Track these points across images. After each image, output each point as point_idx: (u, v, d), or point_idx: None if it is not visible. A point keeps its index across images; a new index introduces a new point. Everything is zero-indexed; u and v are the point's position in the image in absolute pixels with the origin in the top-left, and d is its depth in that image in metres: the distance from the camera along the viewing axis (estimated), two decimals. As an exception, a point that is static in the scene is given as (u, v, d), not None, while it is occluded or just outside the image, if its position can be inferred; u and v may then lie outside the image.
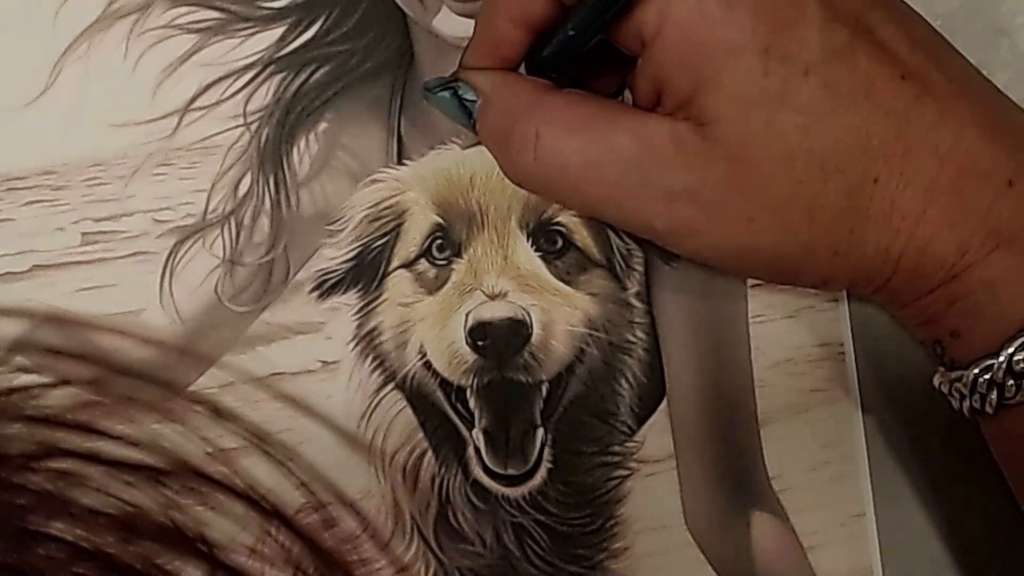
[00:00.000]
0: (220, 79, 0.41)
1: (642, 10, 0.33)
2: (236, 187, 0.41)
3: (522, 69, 0.38)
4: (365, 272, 0.42)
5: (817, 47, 0.32)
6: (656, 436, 0.43)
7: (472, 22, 0.41)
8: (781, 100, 0.32)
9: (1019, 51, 0.44)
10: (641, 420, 0.43)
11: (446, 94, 0.38)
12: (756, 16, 0.32)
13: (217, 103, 0.41)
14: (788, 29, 0.32)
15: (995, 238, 0.33)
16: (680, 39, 0.33)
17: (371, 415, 0.42)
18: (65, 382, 0.40)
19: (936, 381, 0.37)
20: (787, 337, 0.43)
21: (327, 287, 0.42)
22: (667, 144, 0.33)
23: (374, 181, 0.42)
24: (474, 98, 0.37)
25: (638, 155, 0.33)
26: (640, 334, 0.43)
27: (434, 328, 0.41)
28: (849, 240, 0.33)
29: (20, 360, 0.40)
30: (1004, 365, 0.33)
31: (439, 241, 0.41)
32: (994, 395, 0.34)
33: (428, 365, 0.41)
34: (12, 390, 0.24)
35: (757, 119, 0.32)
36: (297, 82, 0.42)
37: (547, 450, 0.42)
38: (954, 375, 0.35)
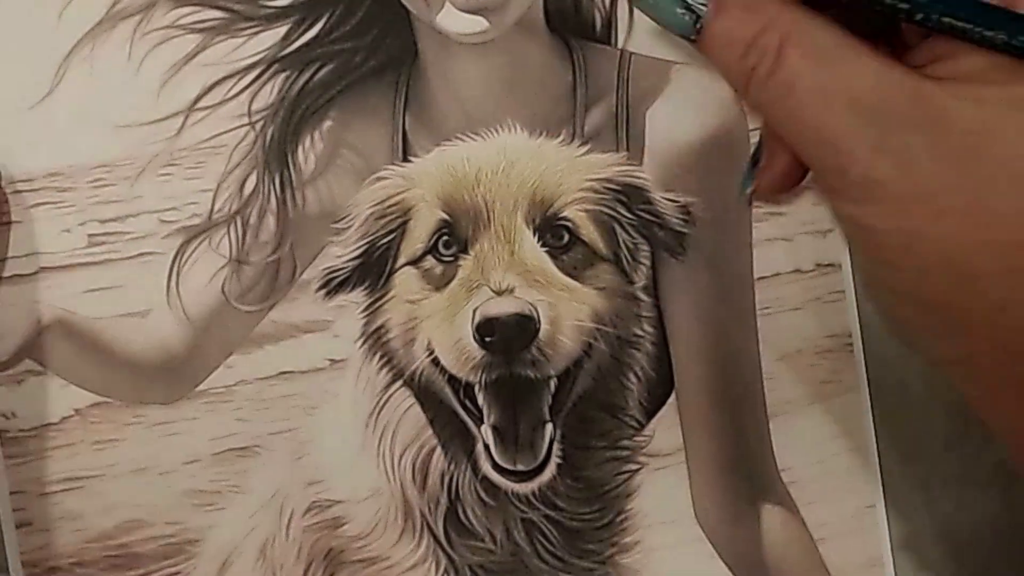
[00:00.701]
0: (224, 78, 0.41)
1: None
2: (242, 186, 0.41)
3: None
4: (372, 270, 0.42)
5: None
6: (665, 430, 0.43)
7: (475, 18, 0.41)
8: None
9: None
10: (650, 414, 0.43)
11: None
12: None
13: (221, 103, 0.41)
14: None
15: None
16: None
17: (380, 413, 0.42)
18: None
19: None
20: (795, 329, 0.43)
21: (334, 285, 0.42)
22: (907, 98, 0.30)
23: (379, 179, 0.42)
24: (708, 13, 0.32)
25: (874, 102, 0.30)
26: (648, 328, 0.43)
27: (441, 325, 0.41)
28: None
29: (28, 363, 0.41)
30: None
31: (445, 238, 0.41)
32: None
33: (436, 362, 0.41)
34: None
35: (1013, 123, 0.29)
36: (301, 80, 0.42)
37: (556, 445, 0.42)
38: None
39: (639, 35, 0.43)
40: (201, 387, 0.41)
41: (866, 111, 0.30)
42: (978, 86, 0.30)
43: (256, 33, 0.42)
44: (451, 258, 0.42)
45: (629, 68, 0.43)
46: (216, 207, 0.41)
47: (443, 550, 0.42)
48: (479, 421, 0.42)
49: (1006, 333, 0.30)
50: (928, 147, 0.29)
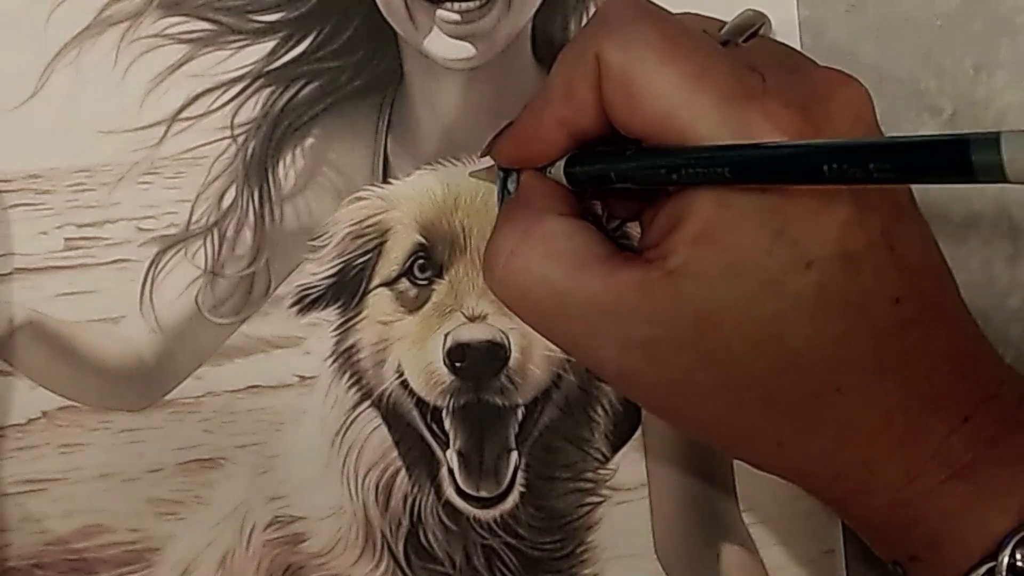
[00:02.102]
0: (209, 90, 0.42)
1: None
2: (220, 199, 0.42)
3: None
4: (346, 289, 0.42)
5: (830, 245, 0.30)
6: (629, 464, 0.43)
7: (462, 44, 0.42)
8: (772, 284, 0.30)
9: (1019, 51, 0.45)
10: (615, 448, 0.43)
11: (501, 173, 0.37)
12: (784, 197, 0.30)
13: (205, 114, 0.42)
14: (809, 218, 0.30)
15: (947, 468, 0.32)
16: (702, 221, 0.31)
17: (346, 431, 0.42)
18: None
19: None
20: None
21: (307, 302, 0.42)
22: (635, 293, 0.32)
23: (358, 199, 0.42)
24: (513, 191, 0.37)
25: (604, 302, 0.32)
26: (618, 362, 0.43)
27: (413, 348, 0.42)
28: (795, 437, 0.33)
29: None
30: None
31: (421, 261, 0.42)
32: None
33: (405, 384, 0.42)
34: None
35: (742, 292, 0.31)
36: (286, 96, 0.42)
37: (520, 474, 0.42)
38: None
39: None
40: (169, 396, 0.42)
41: (605, 314, 0.32)
42: (696, 259, 0.31)
43: (243, 47, 0.42)
44: (426, 282, 0.42)
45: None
46: (194, 218, 0.42)
47: (403, 572, 0.43)
48: (445, 445, 0.42)
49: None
50: (666, 337, 0.31)
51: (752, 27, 0.35)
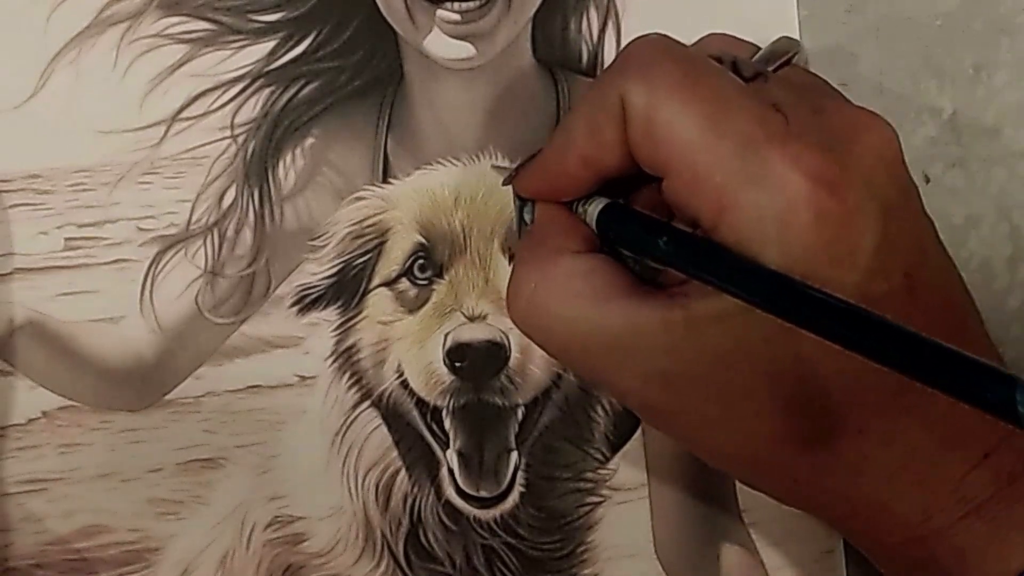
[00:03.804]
0: (209, 90, 0.42)
1: (702, 199, 0.32)
2: (220, 199, 0.42)
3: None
4: (346, 289, 0.43)
5: (851, 292, 0.30)
6: (629, 464, 0.43)
7: (462, 44, 0.42)
8: (792, 329, 0.30)
9: (1019, 51, 0.45)
10: (615, 448, 0.44)
11: (518, 200, 0.38)
12: (809, 242, 0.30)
13: (205, 114, 0.42)
14: (832, 265, 0.30)
15: (964, 506, 0.32)
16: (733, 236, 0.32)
17: (346, 431, 0.43)
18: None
19: None
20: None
21: (307, 302, 0.42)
22: (656, 330, 0.32)
23: (358, 198, 0.43)
24: (529, 221, 0.37)
25: (625, 338, 0.33)
26: (618, 362, 0.43)
27: (413, 347, 0.42)
28: (811, 474, 0.33)
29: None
30: None
31: (421, 261, 0.42)
32: None
33: (405, 384, 0.42)
34: None
35: (761, 335, 0.31)
36: (286, 96, 0.42)
37: (520, 474, 0.43)
38: None
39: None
40: (169, 396, 0.42)
41: (626, 349, 0.33)
42: (718, 300, 0.31)
43: (243, 47, 0.42)
44: (426, 282, 0.42)
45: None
46: (194, 218, 0.42)
47: (402, 572, 0.43)
48: (445, 445, 0.42)
49: None
50: (685, 373, 0.32)
51: (784, 55, 0.35)
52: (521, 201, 0.38)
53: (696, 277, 0.31)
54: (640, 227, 0.34)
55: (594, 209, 0.35)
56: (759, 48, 0.36)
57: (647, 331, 0.32)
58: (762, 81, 0.34)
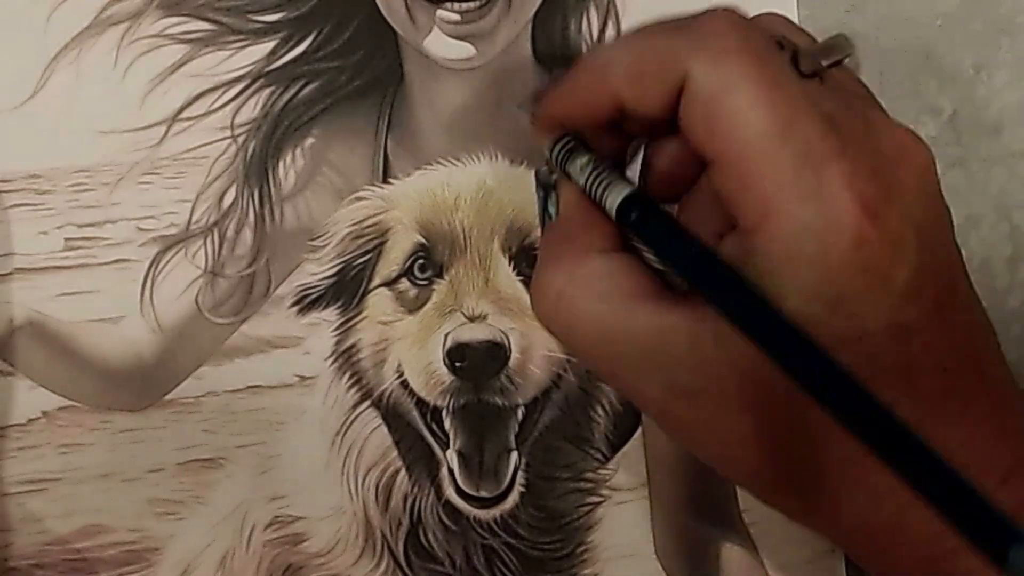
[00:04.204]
0: (209, 90, 0.42)
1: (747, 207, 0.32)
2: (221, 199, 0.42)
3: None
4: (346, 289, 0.43)
5: (884, 319, 0.30)
6: (629, 464, 0.44)
7: (462, 44, 0.42)
8: None
9: (1019, 51, 0.45)
10: (615, 448, 0.44)
11: (541, 191, 0.38)
12: (841, 267, 0.30)
13: (205, 114, 0.42)
14: (866, 290, 0.30)
15: None
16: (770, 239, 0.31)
17: (346, 431, 0.43)
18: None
19: None
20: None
21: (307, 302, 0.43)
22: (682, 341, 0.32)
23: (358, 199, 0.43)
24: (554, 211, 0.37)
25: (651, 345, 0.32)
26: (617, 362, 0.43)
27: (413, 348, 0.42)
28: (831, 496, 0.33)
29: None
30: None
31: (421, 261, 0.42)
32: None
33: (405, 384, 0.42)
34: None
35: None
36: (286, 97, 0.42)
37: (520, 474, 0.43)
38: None
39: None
40: (169, 396, 0.42)
41: (651, 357, 0.32)
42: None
43: (243, 47, 0.42)
44: (426, 282, 0.42)
45: (614, 101, 0.44)
46: (194, 218, 0.42)
47: (402, 572, 0.43)
48: (445, 445, 0.42)
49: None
50: (709, 387, 0.32)
51: (839, 54, 0.35)
52: (545, 192, 0.37)
53: (709, 303, 0.31)
54: (663, 235, 0.33)
55: (615, 198, 0.34)
56: (814, 39, 0.36)
57: (674, 341, 0.32)
58: (818, 82, 0.33)
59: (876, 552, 0.34)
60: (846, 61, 0.35)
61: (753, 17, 0.35)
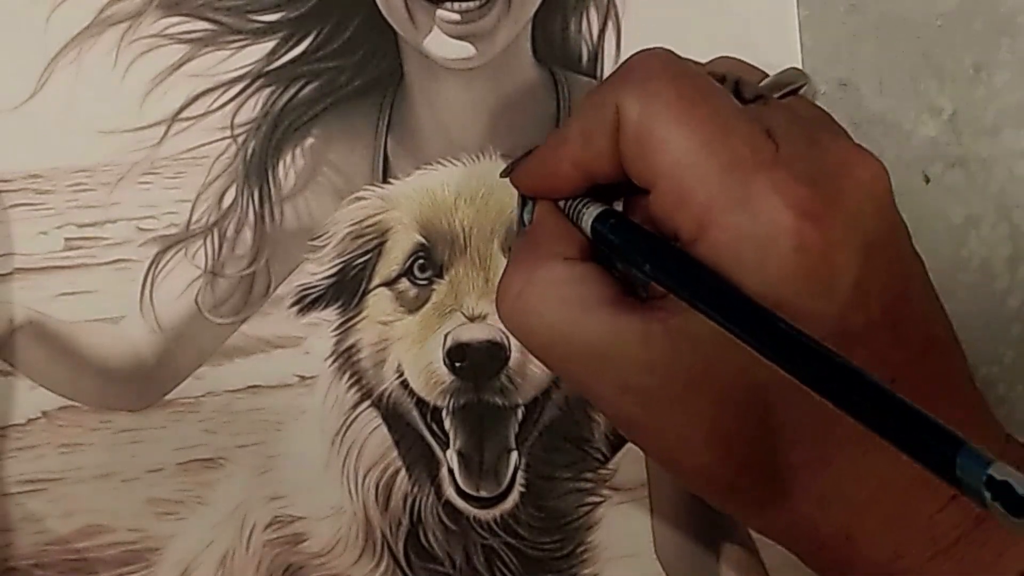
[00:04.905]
0: (209, 90, 0.42)
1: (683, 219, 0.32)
2: (220, 199, 0.42)
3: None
4: (346, 289, 0.43)
5: (828, 326, 0.30)
6: (629, 464, 0.44)
7: (462, 44, 0.42)
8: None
9: (1019, 51, 0.45)
10: (615, 447, 0.44)
11: (520, 200, 0.38)
12: (787, 270, 0.30)
13: (205, 114, 0.42)
14: (810, 296, 0.30)
15: (933, 546, 0.32)
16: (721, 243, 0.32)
17: (346, 431, 0.43)
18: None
19: None
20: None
21: (307, 302, 0.43)
22: (634, 341, 0.32)
23: (358, 198, 0.43)
24: (528, 222, 0.37)
25: (603, 345, 0.33)
26: (617, 362, 0.43)
27: (412, 348, 0.42)
28: (779, 502, 0.32)
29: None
30: None
31: (421, 261, 0.42)
32: None
33: (405, 384, 0.42)
34: None
35: (736, 360, 0.31)
36: (286, 96, 0.42)
37: (520, 474, 0.43)
38: None
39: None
40: (169, 396, 0.42)
41: (604, 357, 0.33)
42: (696, 320, 0.31)
43: (243, 47, 0.42)
44: (426, 282, 0.42)
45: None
46: (194, 218, 0.42)
47: (402, 572, 0.43)
48: (445, 445, 0.42)
49: None
50: (659, 388, 0.32)
51: (790, 85, 0.35)
52: (523, 201, 0.38)
53: (673, 292, 0.32)
54: (628, 238, 0.34)
55: (589, 215, 0.35)
56: (767, 75, 0.36)
57: (625, 341, 0.32)
58: (761, 104, 0.34)
59: (828, 565, 0.34)
60: (803, 91, 0.35)
61: (707, 62, 0.36)
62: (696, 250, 0.31)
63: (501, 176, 0.38)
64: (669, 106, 0.32)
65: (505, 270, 0.35)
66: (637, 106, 0.32)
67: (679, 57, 0.34)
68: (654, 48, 0.34)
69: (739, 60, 0.37)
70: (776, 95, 0.35)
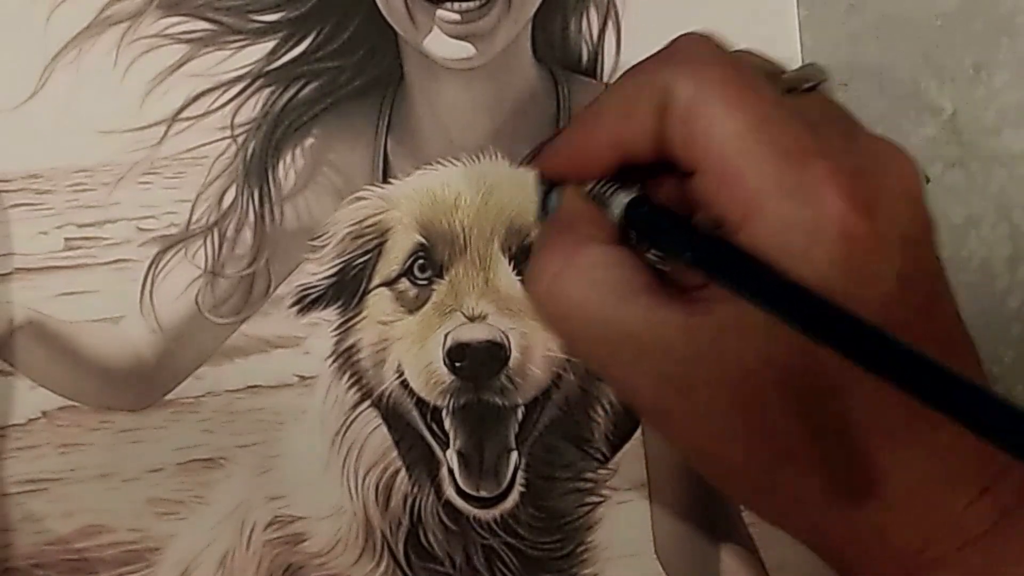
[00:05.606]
0: (209, 90, 0.42)
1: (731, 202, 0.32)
2: (220, 199, 0.42)
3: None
4: (346, 289, 0.43)
5: (872, 317, 0.29)
6: (629, 464, 0.44)
7: (462, 44, 0.42)
8: (815, 350, 0.30)
9: (1019, 51, 0.45)
10: (615, 448, 0.44)
11: (542, 188, 0.37)
12: (835, 259, 0.30)
13: (205, 114, 0.42)
14: (857, 286, 0.30)
15: (961, 538, 0.32)
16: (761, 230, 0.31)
17: (346, 431, 0.43)
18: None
19: None
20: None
21: (307, 302, 0.43)
22: (676, 335, 0.32)
23: (358, 198, 0.43)
24: (554, 207, 0.37)
25: (645, 335, 0.32)
26: (618, 362, 0.43)
27: (413, 347, 0.42)
28: (816, 495, 0.32)
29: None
30: None
31: (421, 261, 0.42)
32: None
33: (405, 384, 0.42)
34: None
35: (783, 352, 0.31)
36: (286, 96, 0.42)
37: (520, 474, 0.43)
38: None
39: (625, 70, 0.44)
40: (169, 396, 0.42)
41: (644, 349, 0.32)
42: (743, 312, 0.31)
43: (243, 47, 0.42)
44: (426, 282, 0.42)
45: (614, 101, 0.44)
46: (194, 218, 0.42)
47: (402, 572, 0.43)
48: (445, 445, 0.42)
49: None
50: (703, 379, 0.32)
51: (811, 81, 0.35)
52: (545, 188, 0.37)
53: (717, 281, 0.31)
54: (670, 226, 0.33)
55: (620, 201, 0.34)
56: (786, 70, 0.36)
57: (667, 334, 0.32)
58: (796, 95, 0.34)
59: (855, 558, 0.34)
60: (820, 88, 0.35)
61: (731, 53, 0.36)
62: (739, 236, 0.31)
63: (522, 164, 0.38)
64: (722, 89, 0.32)
65: (535, 255, 0.35)
66: (690, 87, 0.32)
67: (720, 42, 0.34)
68: (698, 32, 0.34)
69: (758, 54, 0.37)
70: (801, 88, 0.35)
